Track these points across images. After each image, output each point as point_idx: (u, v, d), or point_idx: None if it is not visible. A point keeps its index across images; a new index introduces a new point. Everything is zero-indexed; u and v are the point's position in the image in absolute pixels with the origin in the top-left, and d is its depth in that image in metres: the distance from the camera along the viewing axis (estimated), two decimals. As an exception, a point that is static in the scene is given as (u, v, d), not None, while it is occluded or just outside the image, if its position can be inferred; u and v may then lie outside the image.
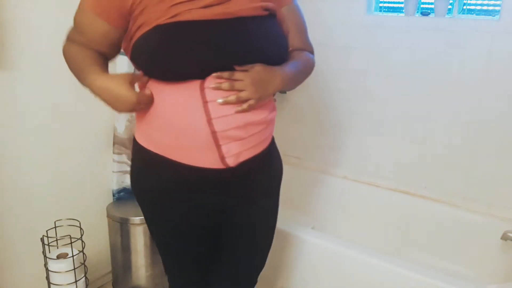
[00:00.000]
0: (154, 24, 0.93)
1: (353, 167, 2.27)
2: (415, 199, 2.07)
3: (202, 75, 0.94)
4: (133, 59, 1.02)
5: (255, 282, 1.32)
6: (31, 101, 1.57)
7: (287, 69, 1.04)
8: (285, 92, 2.35)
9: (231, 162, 1.01)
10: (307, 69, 1.16)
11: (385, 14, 2.17)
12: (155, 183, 1.08)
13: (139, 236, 1.78)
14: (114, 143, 1.84)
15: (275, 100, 1.13)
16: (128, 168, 1.88)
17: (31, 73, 1.55)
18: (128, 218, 1.76)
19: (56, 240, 1.64)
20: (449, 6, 1.93)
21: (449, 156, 1.99)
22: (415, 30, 1.96)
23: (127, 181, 1.91)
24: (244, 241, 1.21)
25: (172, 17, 0.92)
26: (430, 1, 2.03)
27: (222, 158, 0.99)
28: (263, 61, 0.98)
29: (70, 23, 1.08)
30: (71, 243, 1.59)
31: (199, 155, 0.99)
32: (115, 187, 1.89)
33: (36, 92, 1.57)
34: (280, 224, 1.75)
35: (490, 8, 1.92)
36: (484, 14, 1.94)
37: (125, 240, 1.79)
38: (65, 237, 1.61)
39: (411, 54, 1.99)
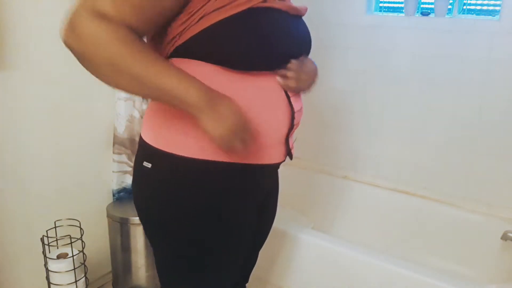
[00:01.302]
0: (245, 6, 0.81)
1: (353, 167, 2.27)
2: (415, 199, 2.07)
3: (281, 66, 0.90)
4: (206, 45, 0.82)
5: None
6: (31, 101, 1.57)
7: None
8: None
9: (292, 153, 1.01)
10: None
11: (385, 14, 2.17)
12: (207, 196, 0.92)
13: (139, 236, 1.78)
14: (114, 143, 1.84)
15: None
16: (128, 168, 1.89)
17: (31, 73, 1.55)
18: (128, 218, 1.76)
19: (56, 240, 1.64)
20: (449, 6, 1.93)
21: (449, 156, 1.99)
22: (415, 30, 1.96)
23: (127, 181, 1.91)
24: (266, 228, 1.20)
25: (263, 1, 0.84)
26: (430, 1, 2.03)
27: (289, 150, 0.99)
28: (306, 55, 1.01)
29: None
30: (71, 243, 1.59)
31: (270, 151, 0.93)
32: (115, 187, 1.89)
33: (36, 92, 1.57)
34: (280, 224, 1.76)
35: (490, 8, 1.92)
36: (484, 14, 1.94)
37: (125, 240, 1.79)
38: (65, 237, 1.61)
39: (411, 54, 1.99)
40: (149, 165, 0.92)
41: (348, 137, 2.26)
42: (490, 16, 1.91)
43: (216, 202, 0.92)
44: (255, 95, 0.87)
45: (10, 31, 1.45)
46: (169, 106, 0.82)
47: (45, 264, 1.59)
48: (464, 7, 1.97)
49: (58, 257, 1.59)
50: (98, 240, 1.89)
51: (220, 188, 0.92)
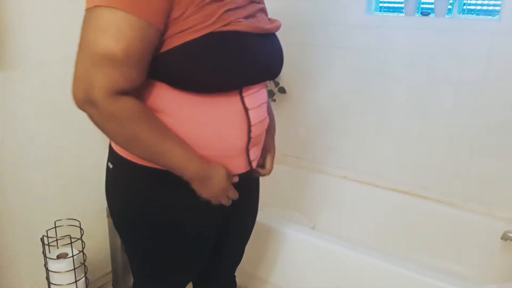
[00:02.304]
0: (207, 30, 0.83)
1: (353, 167, 2.27)
2: (415, 199, 2.07)
3: (245, 84, 0.96)
4: (164, 68, 0.85)
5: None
6: (31, 101, 1.57)
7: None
8: (285, 92, 2.35)
9: (254, 165, 1.07)
10: None
11: (385, 14, 2.17)
12: (173, 204, 1.00)
13: (139, 236, 1.78)
14: (114, 143, 1.84)
15: (274, 100, 1.18)
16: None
17: (31, 73, 1.55)
18: (128, 218, 1.76)
19: (56, 240, 1.64)
20: (449, 6, 1.93)
21: (449, 156, 1.99)
22: (415, 30, 1.96)
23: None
24: (241, 234, 1.27)
25: (225, 25, 0.85)
26: (430, 1, 2.03)
27: (249, 162, 1.04)
28: (277, 74, 1.05)
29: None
30: (71, 243, 1.59)
31: (231, 162, 1.00)
32: (115, 187, 1.89)
33: (36, 92, 1.57)
34: (280, 224, 1.76)
35: (490, 8, 1.93)
36: (484, 14, 1.94)
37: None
38: (65, 237, 1.61)
39: (411, 54, 1.99)
40: (111, 166, 1.02)
41: (348, 137, 2.26)
42: (490, 16, 1.91)
43: (167, 208, 1.00)
44: (213, 112, 0.92)
45: (10, 31, 1.45)
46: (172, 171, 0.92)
47: (45, 264, 1.59)
48: (464, 7, 1.97)
49: (58, 257, 1.59)
50: (98, 240, 1.89)
51: (170, 194, 0.99)
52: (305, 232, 1.75)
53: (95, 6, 0.75)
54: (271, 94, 2.30)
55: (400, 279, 1.50)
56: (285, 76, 2.35)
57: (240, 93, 0.94)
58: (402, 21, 2.01)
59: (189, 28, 0.82)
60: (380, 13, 2.18)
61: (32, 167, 1.62)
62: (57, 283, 1.58)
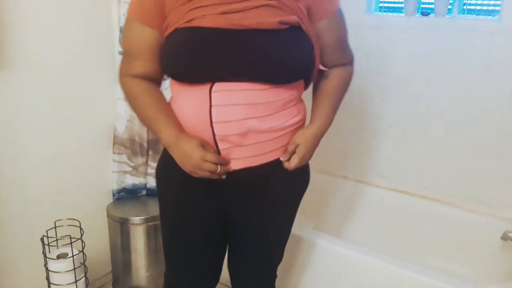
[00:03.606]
0: (174, 27, 0.98)
1: (353, 167, 2.27)
2: (415, 199, 2.07)
3: (212, 80, 0.97)
4: (161, 61, 1.05)
5: (273, 276, 1.35)
6: (31, 101, 1.57)
7: (326, 116, 1.14)
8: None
9: (221, 170, 1.01)
10: (342, 92, 1.20)
11: (385, 14, 2.17)
12: (168, 173, 1.14)
13: (139, 236, 1.78)
14: (114, 143, 1.84)
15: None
16: (128, 168, 1.89)
17: (31, 73, 1.55)
18: (128, 218, 1.76)
19: (56, 240, 1.64)
20: (449, 6, 1.93)
21: (449, 156, 1.99)
22: (415, 30, 1.96)
23: (127, 181, 1.92)
24: (254, 241, 1.23)
25: (189, 21, 0.97)
26: (430, 1, 2.03)
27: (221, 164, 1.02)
28: (269, 74, 0.98)
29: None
30: (71, 243, 1.59)
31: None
32: (115, 187, 1.89)
33: (36, 92, 1.57)
34: (306, 233, 1.75)
35: (490, 8, 1.92)
36: (484, 14, 1.94)
37: (125, 240, 1.79)
38: (65, 237, 1.61)
39: (411, 54, 1.99)
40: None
41: (348, 137, 2.26)
42: (490, 16, 1.91)
43: (169, 180, 1.15)
44: (185, 101, 1.02)
45: (10, 31, 1.45)
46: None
47: (45, 264, 1.59)
48: (464, 7, 1.97)
49: (58, 257, 1.59)
50: (98, 240, 1.89)
51: (175, 170, 1.06)
52: (305, 232, 1.75)
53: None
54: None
55: (399, 279, 1.50)
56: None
57: (210, 89, 0.97)
58: (402, 21, 2.00)
59: (167, 27, 1.01)
60: (380, 13, 2.18)
61: (32, 167, 1.62)
62: (57, 283, 1.58)
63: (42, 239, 1.57)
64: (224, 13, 0.96)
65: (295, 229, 1.73)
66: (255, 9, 0.97)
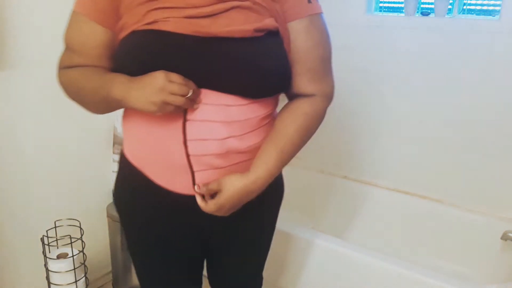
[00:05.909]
0: (131, 29, 0.84)
1: (353, 167, 2.27)
2: (415, 199, 2.07)
3: None
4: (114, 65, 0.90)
5: (260, 282, 1.29)
6: (31, 101, 1.57)
7: (268, 166, 0.90)
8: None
9: (198, 190, 0.90)
10: (302, 135, 0.97)
11: (385, 14, 2.17)
12: (133, 198, 1.01)
13: (139, 236, 1.77)
14: (114, 143, 1.84)
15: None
16: (128, 168, 1.88)
17: (31, 73, 1.55)
18: (128, 218, 1.76)
19: (56, 240, 1.64)
20: (449, 6, 1.93)
21: (449, 156, 1.99)
22: (415, 30, 1.96)
23: (127, 181, 1.91)
24: (233, 263, 1.15)
25: (149, 23, 0.83)
26: (430, 1, 2.03)
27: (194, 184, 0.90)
28: (235, 86, 0.85)
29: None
30: (71, 243, 1.59)
31: (173, 178, 0.91)
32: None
33: (36, 92, 1.57)
34: (280, 224, 1.74)
35: (490, 8, 1.92)
36: (484, 14, 1.94)
37: (125, 240, 1.79)
38: (65, 237, 1.61)
39: (411, 54, 1.99)
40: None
41: (348, 137, 2.26)
42: (490, 16, 1.91)
43: (132, 204, 1.03)
44: (152, 120, 0.87)
45: (10, 31, 1.45)
46: (118, 107, 0.90)
47: (45, 264, 1.59)
48: (464, 7, 1.97)
49: (58, 257, 1.59)
50: (98, 240, 1.89)
51: (139, 192, 0.99)
52: (305, 232, 1.75)
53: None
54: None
55: (399, 279, 1.50)
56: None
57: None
58: (402, 21, 2.01)
59: (121, 28, 0.87)
60: (380, 13, 2.18)
61: (32, 167, 1.62)
62: (57, 283, 1.58)
63: (42, 239, 1.57)
64: (190, 17, 0.83)
65: (295, 229, 1.75)
66: (226, 12, 0.85)
